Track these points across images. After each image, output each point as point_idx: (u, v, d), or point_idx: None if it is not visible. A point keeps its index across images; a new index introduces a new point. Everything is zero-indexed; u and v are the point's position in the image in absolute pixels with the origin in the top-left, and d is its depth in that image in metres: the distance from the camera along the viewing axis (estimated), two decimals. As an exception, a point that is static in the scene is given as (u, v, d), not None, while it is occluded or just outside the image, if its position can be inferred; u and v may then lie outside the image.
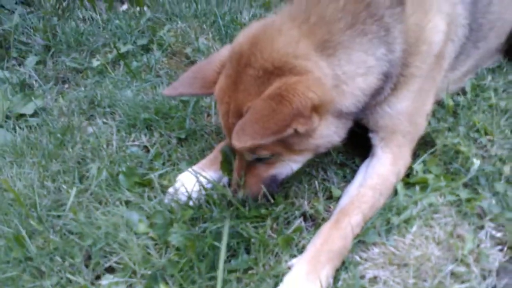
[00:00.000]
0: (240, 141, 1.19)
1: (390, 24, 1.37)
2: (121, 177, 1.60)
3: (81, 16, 2.72)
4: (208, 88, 1.44)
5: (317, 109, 1.29)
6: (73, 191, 1.54)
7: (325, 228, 1.35)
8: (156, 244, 1.44)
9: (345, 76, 1.33)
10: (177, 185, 1.56)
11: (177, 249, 1.40)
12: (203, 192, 1.54)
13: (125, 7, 2.97)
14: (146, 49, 2.36)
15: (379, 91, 1.40)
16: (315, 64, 1.29)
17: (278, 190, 1.53)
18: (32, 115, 2.03)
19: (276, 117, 1.20)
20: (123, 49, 2.28)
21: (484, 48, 1.84)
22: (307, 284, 1.23)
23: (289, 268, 1.30)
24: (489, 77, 1.92)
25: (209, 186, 1.56)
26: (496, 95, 1.83)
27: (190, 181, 1.55)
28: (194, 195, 1.52)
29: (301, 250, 1.38)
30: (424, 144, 1.65)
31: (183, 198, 1.53)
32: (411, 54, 1.43)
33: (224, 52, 1.47)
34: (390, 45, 1.37)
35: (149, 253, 1.40)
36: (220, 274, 1.26)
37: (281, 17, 1.38)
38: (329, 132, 1.39)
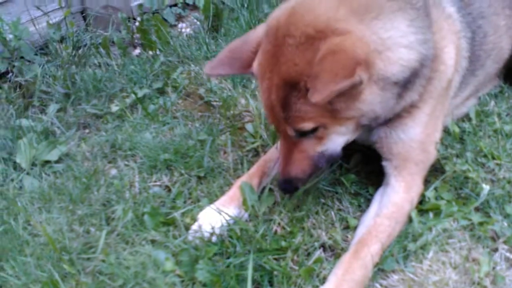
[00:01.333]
0: (317, 95, 1.22)
1: (424, 24, 1.45)
2: (146, 217, 1.68)
3: (97, 62, 2.86)
4: (246, 68, 1.50)
5: (365, 65, 1.30)
6: (103, 234, 1.61)
7: (345, 258, 1.41)
8: (183, 281, 1.50)
9: (390, 41, 1.37)
10: (199, 222, 1.63)
11: (204, 285, 1.46)
12: (226, 227, 1.61)
13: (137, 51, 3.11)
14: (161, 92, 2.47)
15: (413, 80, 1.44)
16: (355, 27, 1.32)
17: (326, 168, 1.59)
18: (56, 161, 2.12)
19: (338, 65, 1.25)
20: (140, 93, 2.39)
21: (482, 75, 1.93)
22: None
23: (313, 299, 1.36)
24: (492, 103, 2.01)
25: (230, 222, 1.63)
26: (500, 120, 1.90)
27: (212, 218, 1.62)
28: (217, 231, 1.59)
29: (322, 281, 1.44)
30: (434, 171, 1.72)
31: (207, 235, 1.60)
32: (433, 69, 1.52)
33: (260, 31, 1.52)
34: (426, 38, 1.44)
35: (176, 290, 1.47)
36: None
37: None
38: (374, 100, 1.40)
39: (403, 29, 1.39)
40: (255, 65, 1.47)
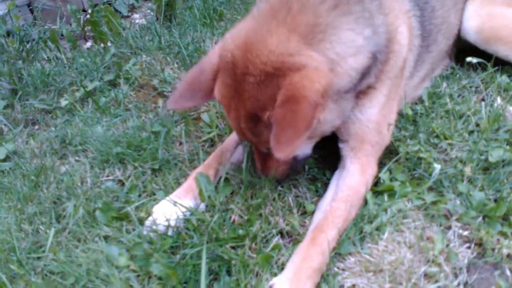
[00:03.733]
0: (282, 152, 1.25)
1: (372, 10, 1.46)
2: (98, 213, 1.61)
3: (45, 57, 2.74)
4: (207, 96, 1.49)
5: (324, 95, 1.33)
6: (52, 232, 1.54)
7: (303, 245, 1.40)
8: (138, 276, 1.45)
9: (338, 57, 1.37)
10: (154, 215, 1.58)
11: (160, 278, 1.42)
12: (182, 220, 1.57)
13: (89, 44, 3.00)
14: (113, 84, 2.39)
15: (368, 70, 1.47)
16: (308, 56, 1.33)
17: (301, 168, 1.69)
18: (4, 160, 2.02)
19: (301, 115, 1.26)
20: (90, 86, 2.31)
21: (436, 50, 1.96)
22: None
23: (271, 287, 1.34)
24: (444, 84, 2.04)
25: (186, 214, 1.59)
26: (452, 101, 1.93)
27: (167, 211, 1.58)
28: (172, 224, 1.55)
29: (281, 267, 1.42)
30: (388, 153, 1.73)
31: (162, 228, 1.55)
32: (388, 50, 1.53)
33: (213, 57, 1.49)
34: (376, 28, 1.45)
35: (131, 286, 1.42)
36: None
37: (264, 14, 1.40)
38: (332, 115, 1.45)
39: (348, 38, 1.39)
40: (218, 95, 1.46)
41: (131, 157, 1.87)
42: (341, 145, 1.64)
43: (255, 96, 1.35)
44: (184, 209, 1.58)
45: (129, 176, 1.82)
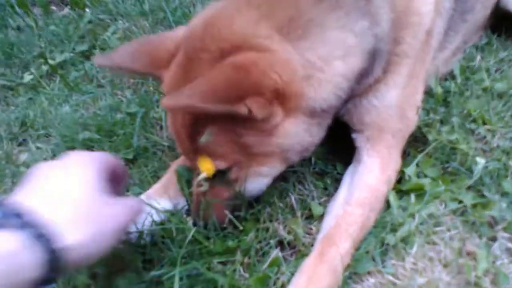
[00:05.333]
0: (171, 98, 0.92)
1: None
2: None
3: (14, 25, 2.39)
4: (157, 67, 1.14)
5: (281, 99, 1.04)
6: None
7: (309, 262, 1.09)
8: (100, 300, 1.16)
9: (320, 61, 1.07)
10: None
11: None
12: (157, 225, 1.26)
13: (66, 11, 2.65)
14: (87, 56, 2.05)
15: (366, 72, 1.15)
16: (280, 45, 1.03)
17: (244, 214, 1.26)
18: (-47, 148, 1.71)
19: (228, 83, 0.95)
20: (60, 59, 1.98)
21: (472, 21, 1.61)
22: None
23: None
24: (479, 57, 1.69)
25: (163, 217, 1.28)
26: (489, 76, 1.59)
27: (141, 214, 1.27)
28: (146, 232, 1.24)
29: (280, 289, 1.12)
30: (414, 141, 1.40)
31: (133, 236, 1.24)
32: (401, 26, 1.19)
33: (179, 32, 1.19)
34: (374, 15, 1.12)
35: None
36: None
37: None
38: (298, 131, 1.12)
39: (336, 37, 1.08)
40: (166, 76, 1.12)
41: (101, 144, 1.55)
42: (354, 136, 1.31)
43: (199, 74, 1.03)
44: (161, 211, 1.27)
45: (97, 168, 1.50)
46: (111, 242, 0.86)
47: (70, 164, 0.88)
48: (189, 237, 1.16)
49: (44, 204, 0.76)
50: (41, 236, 0.71)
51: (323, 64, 1.07)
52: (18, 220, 0.70)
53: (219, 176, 1.16)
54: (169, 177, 1.36)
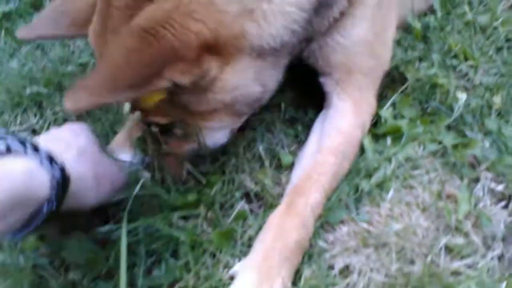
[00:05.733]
0: (72, 100, 0.77)
1: None
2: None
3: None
4: (79, 27, 1.00)
5: (214, 49, 0.89)
6: None
7: (276, 215, 0.99)
8: (51, 263, 1.05)
9: None
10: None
11: (78, 265, 1.03)
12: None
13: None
14: (36, 5, 1.88)
15: (327, 1, 1.00)
16: None
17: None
18: None
19: (137, 60, 0.80)
20: (5, 8, 1.80)
21: None
22: None
23: (232, 278, 0.94)
24: (460, -12, 1.56)
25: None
26: (472, 10, 1.47)
27: None
28: None
29: (246, 244, 1.03)
30: (391, 82, 1.29)
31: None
32: None
33: None
34: None
35: (41, 277, 1.02)
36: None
37: None
38: (243, 81, 0.97)
39: None
40: (90, 29, 0.97)
41: (51, 98, 1.41)
42: (322, 80, 1.17)
43: (116, 28, 0.88)
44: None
45: (48, 124, 1.37)
46: (105, 196, 0.98)
47: (73, 128, 0.99)
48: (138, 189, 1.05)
49: (54, 145, 0.84)
50: (53, 162, 0.78)
51: None
52: (33, 148, 0.77)
53: (166, 132, 1.05)
54: (130, 127, 1.23)
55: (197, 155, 1.15)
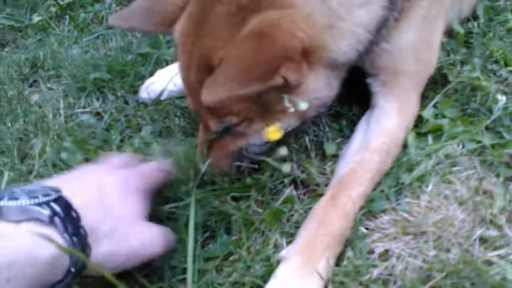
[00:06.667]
0: (211, 94, 0.89)
1: None
2: (64, 155, 1.30)
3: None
4: (167, 26, 1.10)
5: (307, 55, 0.98)
6: (5, 177, 1.25)
7: (320, 206, 1.08)
8: None
9: (341, 9, 1.01)
10: (154, 77, 1.50)
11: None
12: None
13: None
14: (96, -4, 2.01)
15: (384, 24, 1.09)
16: None
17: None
18: (-35, 88, 1.71)
19: (258, 57, 0.90)
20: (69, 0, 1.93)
21: None
22: (301, 283, 0.96)
23: (279, 261, 1.03)
24: (503, -3, 1.62)
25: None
26: (514, 17, 1.53)
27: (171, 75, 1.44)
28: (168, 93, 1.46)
29: (293, 226, 1.12)
30: (433, 83, 1.36)
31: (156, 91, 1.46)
32: None
33: None
34: None
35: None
36: (189, 265, 1.00)
37: None
38: (319, 87, 1.08)
39: None
40: (177, 29, 1.08)
41: (112, 84, 1.53)
42: (369, 80, 1.26)
43: (217, 32, 0.98)
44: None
45: (109, 108, 1.49)
46: (133, 263, 0.92)
47: (125, 185, 0.94)
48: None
49: (93, 211, 0.81)
50: (80, 239, 0.76)
51: (345, 12, 1.01)
52: (62, 213, 0.74)
53: (230, 129, 1.13)
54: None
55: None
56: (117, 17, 1.16)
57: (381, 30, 1.10)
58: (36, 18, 1.89)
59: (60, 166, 1.32)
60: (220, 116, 1.09)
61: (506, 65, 1.39)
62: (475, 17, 1.55)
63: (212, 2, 0.99)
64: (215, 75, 0.92)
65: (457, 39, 1.45)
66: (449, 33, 1.47)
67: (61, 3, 1.91)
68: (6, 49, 1.88)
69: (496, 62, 1.40)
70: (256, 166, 1.22)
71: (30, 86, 1.67)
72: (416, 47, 1.21)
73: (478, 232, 1.05)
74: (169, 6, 1.11)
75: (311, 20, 0.98)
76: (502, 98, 1.21)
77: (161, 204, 1.13)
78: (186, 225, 1.09)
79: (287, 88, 1.01)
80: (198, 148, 1.21)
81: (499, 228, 1.06)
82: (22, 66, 1.72)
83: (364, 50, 1.09)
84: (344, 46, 1.05)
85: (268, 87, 0.94)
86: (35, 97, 1.61)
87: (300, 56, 0.97)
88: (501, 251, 1.03)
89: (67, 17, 1.88)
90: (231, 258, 1.08)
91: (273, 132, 1.08)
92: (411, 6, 1.15)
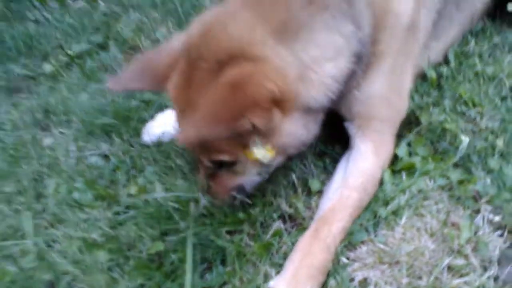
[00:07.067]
0: (184, 134, 1.03)
1: None
2: (76, 194, 1.45)
3: (32, 17, 2.52)
4: (159, 83, 1.26)
5: (278, 103, 1.13)
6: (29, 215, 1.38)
7: (304, 240, 1.21)
8: (118, 265, 1.29)
9: (312, 62, 1.16)
10: (154, 122, 1.65)
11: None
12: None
13: (81, 3, 2.76)
14: (102, 46, 2.18)
15: (352, 75, 1.24)
16: (274, 51, 1.12)
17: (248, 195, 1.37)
18: (-18, 132, 1.86)
19: (228, 105, 1.04)
20: (77, 49, 2.10)
21: (469, 9, 1.68)
22: None
23: (268, 291, 1.16)
24: (473, 42, 1.77)
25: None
26: (481, 61, 1.68)
27: (169, 119, 1.59)
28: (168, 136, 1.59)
29: (282, 257, 1.25)
30: (408, 124, 1.51)
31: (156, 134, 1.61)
32: (379, 29, 1.26)
33: (175, 42, 1.28)
34: (357, 20, 1.20)
35: (113, 278, 1.26)
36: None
37: (234, 2, 1.20)
38: (296, 129, 1.22)
39: (325, 39, 1.17)
40: (170, 86, 1.23)
41: (118, 129, 1.68)
42: (346, 124, 1.40)
43: (200, 85, 1.13)
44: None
45: (115, 151, 1.64)
46: None
47: None
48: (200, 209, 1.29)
49: None
50: None
51: (315, 65, 1.16)
52: None
53: (225, 166, 1.28)
54: None
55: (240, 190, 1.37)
56: (114, 82, 1.32)
57: (350, 80, 1.25)
58: (47, 67, 2.06)
59: (72, 205, 1.46)
60: (212, 154, 1.23)
61: (474, 106, 1.53)
62: (446, 61, 1.70)
63: (197, 59, 1.14)
64: (188, 118, 1.06)
65: (429, 82, 1.60)
66: (423, 76, 1.62)
67: (70, 53, 2.07)
68: (22, 95, 2.05)
69: (465, 103, 1.54)
70: (250, 201, 1.36)
71: (43, 130, 1.81)
72: (385, 95, 1.35)
73: (447, 261, 1.18)
74: (160, 66, 1.26)
75: (282, 72, 1.12)
76: (465, 139, 1.35)
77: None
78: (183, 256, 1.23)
79: (261, 131, 1.14)
80: (199, 183, 1.35)
81: (466, 257, 1.19)
82: (35, 111, 1.87)
83: (336, 97, 1.23)
84: (315, 94, 1.19)
85: (235, 130, 1.06)
86: (47, 141, 1.76)
87: (269, 104, 1.10)
88: (466, 278, 1.15)
89: (75, 65, 2.05)
90: (225, 287, 1.21)
91: (269, 150, 1.20)
92: (377, 60, 1.30)
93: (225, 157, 1.22)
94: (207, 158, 1.25)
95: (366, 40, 1.23)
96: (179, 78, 1.20)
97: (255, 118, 1.06)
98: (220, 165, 1.26)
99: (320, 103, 1.21)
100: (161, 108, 1.74)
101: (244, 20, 1.14)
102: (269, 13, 1.14)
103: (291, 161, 1.47)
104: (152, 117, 1.69)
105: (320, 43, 1.16)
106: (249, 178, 1.32)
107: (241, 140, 1.17)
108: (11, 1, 2.62)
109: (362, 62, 1.25)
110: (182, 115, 1.19)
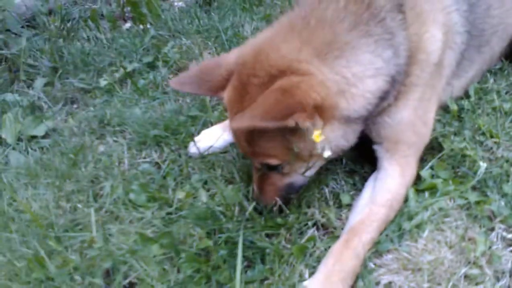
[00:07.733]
0: (237, 121, 1.22)
1: (393, 28, 1.39)
2: (132, 195, 1.63)
3: (85, 36, 2.77)
4: (214, 92, 1.47)
5: (320, 111, 1.31)
6: (92, 211, 1.56)
7: (336, 247, 1.37)
8: (171, 258, 1.46)
9: (354, 78, 1.34)
10: (200, 136, 1.83)
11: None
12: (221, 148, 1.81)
13: (128, 25, 3.02)
14: (152, 66, 2.40)
15: (386, 94, 1.41)
16: (317, 69, 1.31)
17: (295, 197, 1.56)
18: (43, 137, 2.07)
19: (278, 104, 1.23)
20: (129, 68, 2.33)
21: (488, 52, 1.86)
22: None
23: (302, 290, 1.32)
24: (492, 80, 1.95)
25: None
26: (499, 97, 1.85)
27: (214, 135, 1.81)
28: (214, 149, 1.79)
29: (315, 260, 1.41)
30: (431, 149, 1.67)
31: (203, 149, 1.79)
32: (411, 63, 1.45)
33: (232, 56, 1.48)
34: (396, 49, 1.39)
35: (165, 269, 1.43)
36: (237, 285, 1.29)
37: (282, 26, 1.41)
38: (336, 137, 1.39)
39: (368, 59, 1.36)
40: (226, 97, 1.45)
41: (168, 140, 1.87)
42: (375, 147, 1.58)
43: (254, 99, 1.30)
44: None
45: (165, 159, 1.83)
46: None
47: None
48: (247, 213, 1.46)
49: None
50: None
51: (357, 81, 1.35)
52: None
53: (273, 169, 1.47)
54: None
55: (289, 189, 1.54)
56: (176, 82, 1.52)
57: (385, 99, 1.43)
58: (103, 82, 2.28)
59: (127, 204, 1.64)
60: (262, 158, 1.42)
61: (491, 136, 1.70)
62: (467, 96, 1.87)
63: (249, 76, 1.35)
64: (244, 111, 1.24)
65: (451, 114, 1.77)
66: (445, 108, 1.80)
67: (126, 68, 2.30)
68: (76, 106, 2.27)
69: (483, 134, 1.71)
70: (287, 210, 1.53)
71: (98, 138, 2.02)
72: (412, 122, 1.53)
73: (463, 270, 1.33)
74: (216, 77, 1.47)
75: (324, 86, 1.31)
76: (483, 165, 1.51)
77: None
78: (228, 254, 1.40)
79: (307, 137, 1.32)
80: (254, 183, 1.54)
81: (480, 268, 1.34)
82: (91, 121, 2.08)
83: (373, 109, 1.40)
84: (356, 106, 1.37)
85: (282, 126, 1.24)
86: (101, 148, 1.96)
87: (312, 110, 1.28)
88: (481, 286, 1.30)
89: (128, 81, 2.27)
90: (265, 283, 1.37)
91: (316, 136, 1.34)
92: (407, 90, 1.49)
93: (274, 161, 1.41)
94: (257, 161, 1.44)
95: (401, 68, 1.41)
96: (232, 93, 1.40)
97: (299, 119, 1.24)
98: (269, 168, 1.45)
99: (359, 114, 1.38)
100: (206, 124, 1.93)
101: (292, 42, 1.33)
102: (313, 35, 1.34)
103: (325, 177, 1.64)
104: (198, 132, 1.89)
105: (363, 62, 1.34)
106: (296, 178, 1.50)
107: (286, 143, 1.35)
108: (68, 20, 2.87)
109: (396, 87, 1.43)
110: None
